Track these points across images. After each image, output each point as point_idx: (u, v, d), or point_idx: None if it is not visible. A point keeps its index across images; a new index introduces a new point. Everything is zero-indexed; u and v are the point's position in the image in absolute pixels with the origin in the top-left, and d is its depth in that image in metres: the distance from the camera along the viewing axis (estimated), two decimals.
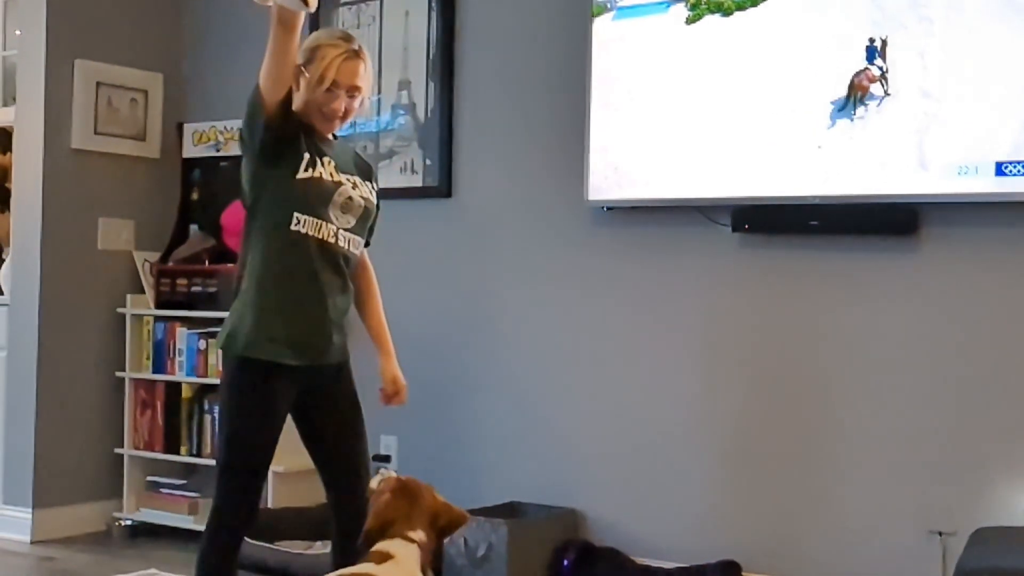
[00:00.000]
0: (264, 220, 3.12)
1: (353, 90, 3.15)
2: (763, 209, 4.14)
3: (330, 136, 3.22)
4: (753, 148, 4.13)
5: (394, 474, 2.89)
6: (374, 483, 2.88)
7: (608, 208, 4.48)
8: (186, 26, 5.69)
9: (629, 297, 4.48)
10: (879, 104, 3.85)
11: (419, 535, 2.69)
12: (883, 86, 3.84)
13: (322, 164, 3.12)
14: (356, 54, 3.15)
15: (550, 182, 4.66)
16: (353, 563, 2.71)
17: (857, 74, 3.88)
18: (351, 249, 3.20)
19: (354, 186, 3.19)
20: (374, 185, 3.30)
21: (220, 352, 3.18)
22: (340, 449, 3.24)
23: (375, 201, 3.28)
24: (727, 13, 4.03)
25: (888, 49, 3.83)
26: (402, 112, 4.99)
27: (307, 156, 3.09)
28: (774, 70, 4.08)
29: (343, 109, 3.15)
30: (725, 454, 4.26)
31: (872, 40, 3.85)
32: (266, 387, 3.10)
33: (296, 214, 3.08)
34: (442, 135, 4.90)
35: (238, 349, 3.11)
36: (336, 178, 3.15)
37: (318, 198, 3.10)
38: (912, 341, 3.95)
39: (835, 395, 4.08)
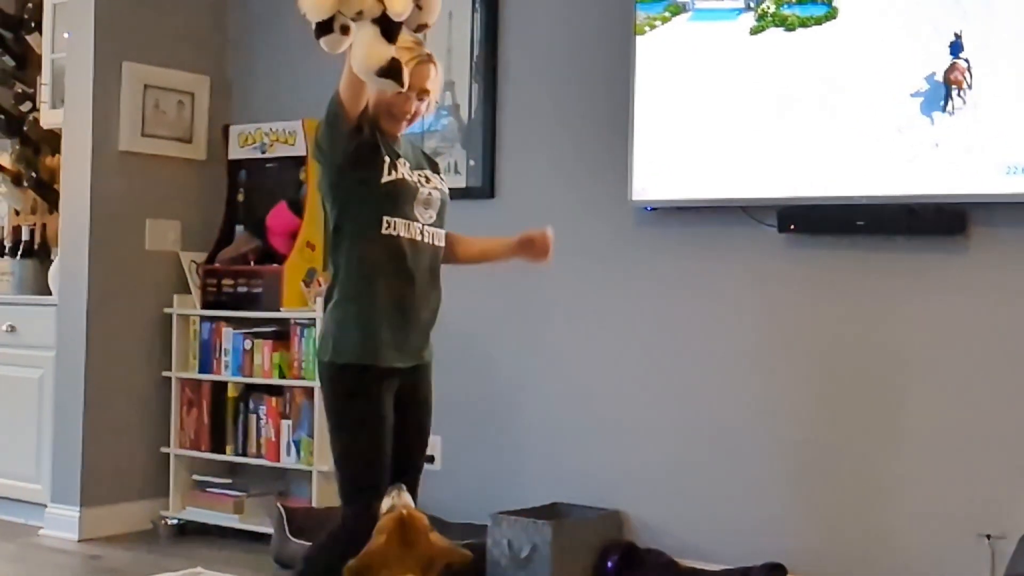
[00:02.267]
0: (354, 227, 3.17)
1: (423, 93, 3.23)
2: (809, 209, 4.12)
3: (397, 136, 3.27)
4: (799, 148, 4.11)
5: (408, 499, 2.87)
6: (385, 504, 2.87)
7: (652, 208, 4.46)
8: (232, 29, 5.73)
9: (673, 298, 4.46)
10: (965, 101, 3.81)
11: None
12: (968, 79, 3.80)
13: (400, 165, 3.19)
14: (428, 58, 3.24)
15: (593, 182, 4.65)
16: None
17: (950, 70, 3.82)
18: (436, 243, 3.27)
19: (427, 180, 3.27)
20: (443, 177, 3.38)
21: (323, 362, 3.19)
22: (401, 448, 3.22)
23: (447, 191, 3.35)
24: (790, 28, 4.08)
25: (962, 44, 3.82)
26: (445, 113, 5.00)
27: (387, 159, 3.16)
28: (826, 74, 4.05)
29: (412, 111, 3.23)
30: (771, 455, 4.24)
31: (956, 35, 3.80)
32: (377, 393, 3.14)
33: (386, 217, 3.14)
34: (485, 136, 4.90)
35: (346, 357, 3.13)
36: (414, 177, 3.22)
37: (404, 199, 3.17)
38: (960, 342, 3.91)
39: (882, 397, 4.04)
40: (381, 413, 3.14)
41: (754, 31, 4.12)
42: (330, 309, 3.21)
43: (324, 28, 2.84)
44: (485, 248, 3.58)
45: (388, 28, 2.82)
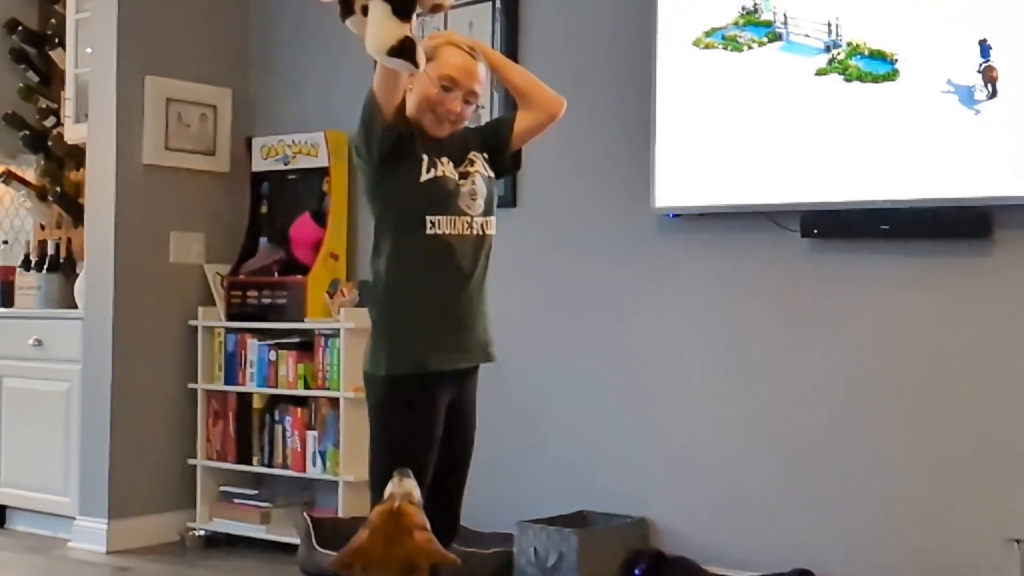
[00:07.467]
0: (397, 229, 3.07)
1: (470, 95, 3.14)
2: (833, 214, 4.10)
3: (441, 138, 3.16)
4: (821, 153, 4.10)
5: (410, 487, 2.70)
6: (387, 490, 2.72)
7: (675, 215, 4.46)
8: (254, 42, 5.75)
9: (697, 304, 4.45)
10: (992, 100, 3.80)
11: None
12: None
13: (441, 163, 3.09)
14: (476, 58, 3.16)
15: (616, 190, 4.65)
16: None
17: (988, 69, 3.79)
18: (487, 231, 3.17)
19: (471, 166, 3.16)
20: (483, 151, 3.23)
21: (364, 373, 3.07)
22: (444, 463, 3.10)
23: (492, 174, 3.23)
24: (849, 79, 4.06)
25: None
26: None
27: (426, 158, 3.06)
28: (857, 100, 4.05)
29: (457, 111, 3.13)
30: (798, 461, 4.22)
31: (983, 40, 3.79)
32: (429, 402, 3.03)
33: (428, 217, 3.04)
34: None
35: (403, 367, 3.02)
36: (456, 173, 3.12)
37: (446, 196, 3.07)
38: (986, 345, 3.89)
39: (909, 401, 4.02)
40: (426, 428, 3.02)
41: (818, 72, 4.12)
42: (377, 314, 3.12)
43: (346, 9, 2.78)
44: (508, 84, 3.37)
45: (400, 5, 2.70)
